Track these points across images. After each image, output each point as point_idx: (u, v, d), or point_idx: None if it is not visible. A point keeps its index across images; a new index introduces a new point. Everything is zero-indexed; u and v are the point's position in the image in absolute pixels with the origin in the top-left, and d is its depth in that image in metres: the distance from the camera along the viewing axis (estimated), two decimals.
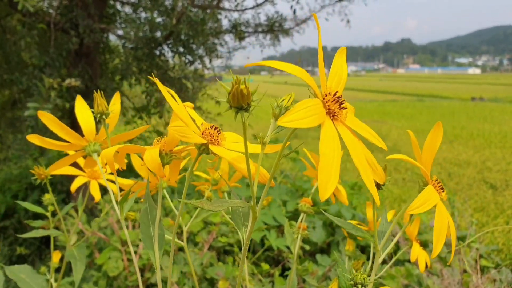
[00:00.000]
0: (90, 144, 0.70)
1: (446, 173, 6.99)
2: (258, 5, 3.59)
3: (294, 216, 2.62)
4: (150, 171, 0.80)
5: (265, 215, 2.50)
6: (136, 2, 3.55)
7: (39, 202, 3.85)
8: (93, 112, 0.72)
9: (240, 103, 0.45)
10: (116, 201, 0.74)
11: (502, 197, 5.56)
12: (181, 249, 2.31)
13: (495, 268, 2.16)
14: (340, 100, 0.48)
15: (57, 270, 1.09)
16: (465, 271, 1.79)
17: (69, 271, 2.33)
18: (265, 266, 2.12)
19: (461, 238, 2.37)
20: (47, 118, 0.66)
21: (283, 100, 0.56)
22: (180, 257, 2.12)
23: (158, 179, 0.81)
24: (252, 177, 0.53)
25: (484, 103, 20.82)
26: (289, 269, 2.22)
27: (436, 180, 0.61)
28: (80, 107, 0.72)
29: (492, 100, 22.26)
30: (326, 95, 0.47)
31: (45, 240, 3.68)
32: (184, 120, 0.55)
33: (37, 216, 3.84)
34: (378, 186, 0.62)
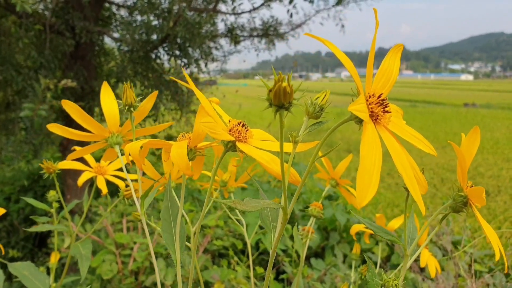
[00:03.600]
0: (112, 135, 0.69)
1: (439, 178, 7.03)
2: (254, 9, 3.60)
3: (289, 219, 2.62)
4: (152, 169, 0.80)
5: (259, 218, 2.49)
6: (132, 5, 3.55)
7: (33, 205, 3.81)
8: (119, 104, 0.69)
9: (281, 101, 0.43)
10: (122, 197, 0.74)
11: (494, 203, 5.59)
12: None
13: (488, 272, 2.17)
14: (384, 103, 0.45)
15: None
16: (459, 275, 1.80)
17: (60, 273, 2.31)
18: (259, 270, 2.12)
19: (455, 243, 2.38)
20: (70, 107, 0.64)
21: (317, 98, 0.55)
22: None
23: (166, 178, 0.81)
24: (280, 177, 0.51)
25: (477, 109, 20.96)
26: (283, 272, 2.21)
27: (472, 186, 0.59)
28: (106, 95, 0.70)
29: (484, 107, 22.42)
30: (370, 97, 0.45)
31: (38, 243, 3.65)
32: (212, 116, 0.53)
33: (30, 219, 3.81)
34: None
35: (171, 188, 0.67)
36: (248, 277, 1.96)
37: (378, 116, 0.45)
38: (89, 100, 3.10)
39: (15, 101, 3.95)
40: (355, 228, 0.99)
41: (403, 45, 0.52)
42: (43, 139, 3.03)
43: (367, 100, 0.45)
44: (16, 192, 4.14)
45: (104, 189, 0.88)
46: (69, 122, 3.23)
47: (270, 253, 0.56)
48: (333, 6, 3.64)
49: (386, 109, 0.45)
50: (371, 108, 0.45)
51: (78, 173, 3.14)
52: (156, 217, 2.56)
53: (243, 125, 0.58)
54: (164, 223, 0.64)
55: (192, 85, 0.53)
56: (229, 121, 0.59)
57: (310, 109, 0.54)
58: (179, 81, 0.56)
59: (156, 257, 2.04)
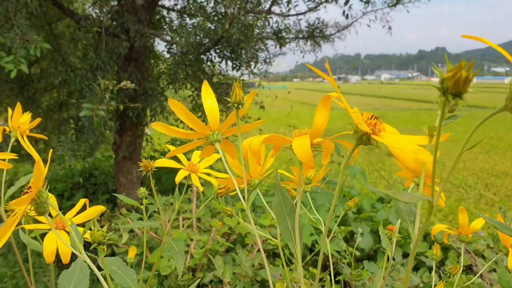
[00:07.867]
0: (213, 133, 0.71)
1: (483, 183, 6.83)
2: (310, 10, 3.61)
3: (341, 221, 2.61)
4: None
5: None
6: (182, 9, 3.63)
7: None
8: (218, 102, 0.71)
9: (459, 89, 0.42)
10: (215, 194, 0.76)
11: None
12: (228, 250, 2.33)
13: None
14: None
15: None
16: None
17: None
18: (313, 271, 2.12)
19: None
20: (175, 106, 0.67)
21: None
22: (229, 258, 2.14)
23: (249, 176, 0.82)
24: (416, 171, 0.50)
25: None
26: (338, 274, 2.21)
27: None
28: (207, 94, 0.73)
29: None
30: None
31: None
32: (347, 108, 0.53)
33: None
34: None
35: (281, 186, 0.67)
36: (306, 278, 1.96)
37: None
38: (142, 102, 3.18)
39: (68, 102, 4.11)
40: (436, 229, 0.98)
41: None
42: (98, 138, 3.13)
43: None
44: (69, 189, 4.29)
45: (200, 187, 0.91)
46: (123, 122, 3.32)
47: (411, 246, 0.55)
48: (389, 6, 3.60)
49: None
50: None
51: (129, 172, 3.17)
52: (208, 215, 2.60)
53: (376, 118, 0.56)
54: (279, 217, 0.65)
55: (330, 77, 0.54)
56: (362, 114, 0.57)
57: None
58: (316, 71, 0.56)
59: (213, 255, 2.08)
